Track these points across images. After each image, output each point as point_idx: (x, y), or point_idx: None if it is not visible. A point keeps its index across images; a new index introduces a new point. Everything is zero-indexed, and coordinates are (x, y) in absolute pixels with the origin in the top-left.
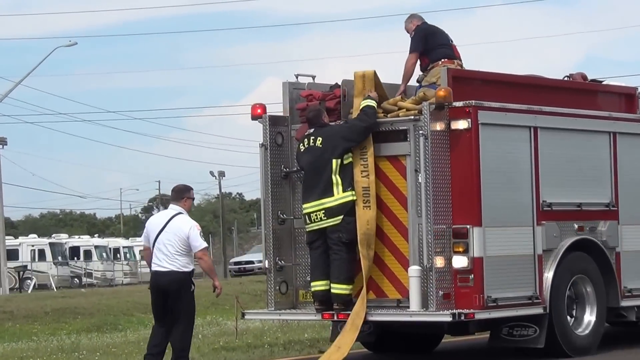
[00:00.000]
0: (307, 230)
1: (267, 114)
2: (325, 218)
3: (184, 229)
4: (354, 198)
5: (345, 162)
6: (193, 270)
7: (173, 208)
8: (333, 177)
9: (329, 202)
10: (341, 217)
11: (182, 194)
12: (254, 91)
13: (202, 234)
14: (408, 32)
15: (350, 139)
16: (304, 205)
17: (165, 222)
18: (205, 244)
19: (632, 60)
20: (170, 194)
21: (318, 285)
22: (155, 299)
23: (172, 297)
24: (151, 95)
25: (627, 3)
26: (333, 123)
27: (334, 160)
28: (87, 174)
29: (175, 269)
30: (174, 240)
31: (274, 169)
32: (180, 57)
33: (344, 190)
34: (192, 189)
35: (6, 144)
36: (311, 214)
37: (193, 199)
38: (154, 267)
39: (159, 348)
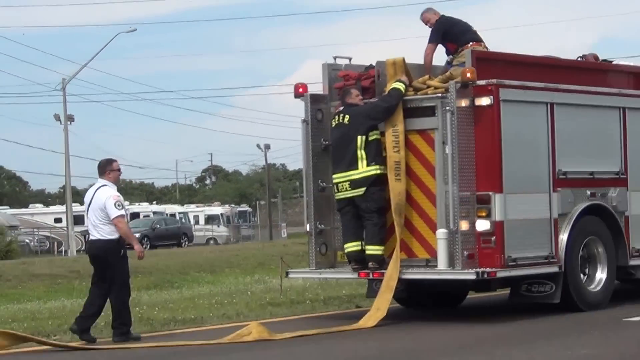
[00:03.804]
0: (336, 198)
1: (309, 92)
2: (350, 189)
3: (102, 199)
4: (378, 172)
5: (370, 138)
6: (120, 237)
7: (99, 181)
8: (358, 151)
9: (354, 174)
10: (364, 188)
11: (104, 168)
12: (297, 72)
13: (119, 204)
14: (426, 22)
15: (374, 117)
16: (333, 176)
17: (92, 194)
18: (118, 213)
19: None
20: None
21: (350, 247)
22: (92, 264)
23: (102, 263)
24: (203, 76)
25: None
26: (367, 100)
27: (358, 137)
28: (146, 147)
29: (100, 237)
30: (97, 211)
31: (314, 142)
32: (229, 42)
33: (368, 165)
34: (114, 161)
35: (74, 121)
36: (339, 184)
37: (117, 170)
38: (89, 237)
39: (94, 309)
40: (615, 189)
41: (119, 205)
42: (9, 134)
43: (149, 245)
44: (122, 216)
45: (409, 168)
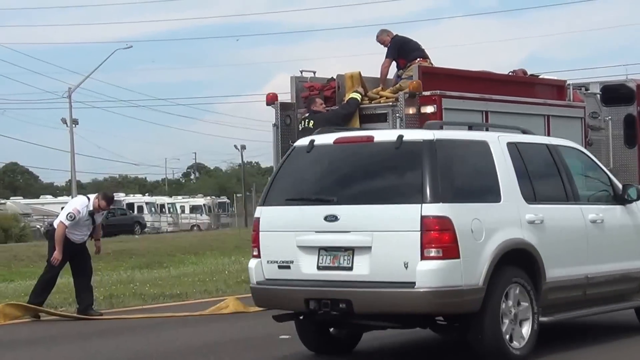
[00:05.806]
0: None
1: (279, 101)
2: None
3: (70, 202)
4: None
5: None
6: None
7: (90, 195)
8: None
9: None
10: None
11: (99, 195)
12: (269, 83)
13: (71, 216)
14: (381, 42)
15: (335, 123)
16: None
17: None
18: (60, 220)
19: (565, 59)
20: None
21: None
22: None
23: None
24: (189, 86)
25: (562, 14)
26: (329, 108)
27: None
28: (139, 147)
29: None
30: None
31: (283, 143)
32: (212, 57)
33: None
34: (106, 199)
35: (78, 124)
36: None
37: (99, 207)
38: None
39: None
40: None
41: (70, 217)
42: (23, 134)
43: None
44: (62, 223)
45: None
